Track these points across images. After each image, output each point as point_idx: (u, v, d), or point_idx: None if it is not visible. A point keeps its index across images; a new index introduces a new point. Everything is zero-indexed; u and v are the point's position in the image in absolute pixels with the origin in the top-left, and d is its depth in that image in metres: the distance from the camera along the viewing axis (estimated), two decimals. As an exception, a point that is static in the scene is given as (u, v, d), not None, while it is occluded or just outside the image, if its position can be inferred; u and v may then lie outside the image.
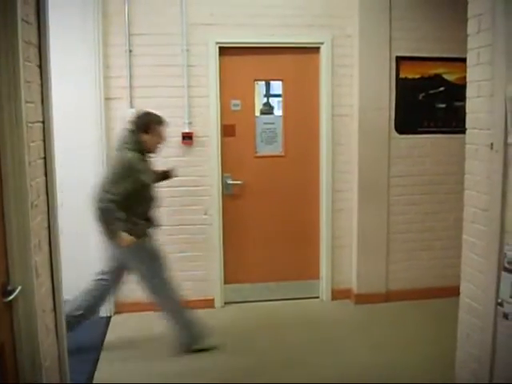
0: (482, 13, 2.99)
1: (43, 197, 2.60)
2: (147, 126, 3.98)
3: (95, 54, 4.66)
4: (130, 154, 3.89)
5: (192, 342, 4.22)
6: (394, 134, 5.11)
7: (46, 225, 2.62)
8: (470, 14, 3.13)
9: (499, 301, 2.90)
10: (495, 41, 2.86)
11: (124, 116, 4.75)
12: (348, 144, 5.13)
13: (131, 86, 4.79)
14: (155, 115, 4.07)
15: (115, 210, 3.82)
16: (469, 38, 3.16)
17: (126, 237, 3.91)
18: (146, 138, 3.97)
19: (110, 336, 4.53)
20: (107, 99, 4.77)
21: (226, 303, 5.15)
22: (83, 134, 4.71)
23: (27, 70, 2.37)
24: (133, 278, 4.33)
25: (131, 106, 4.78)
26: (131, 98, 4.80)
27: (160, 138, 4.06)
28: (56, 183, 2.74)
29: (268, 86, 5.29)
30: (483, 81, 3.02)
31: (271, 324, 4.71)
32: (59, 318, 2.78)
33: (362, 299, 5.13)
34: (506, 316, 2.85)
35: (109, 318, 4.86)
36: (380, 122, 5.05)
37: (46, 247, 2.61)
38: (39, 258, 2.46)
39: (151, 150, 4.06)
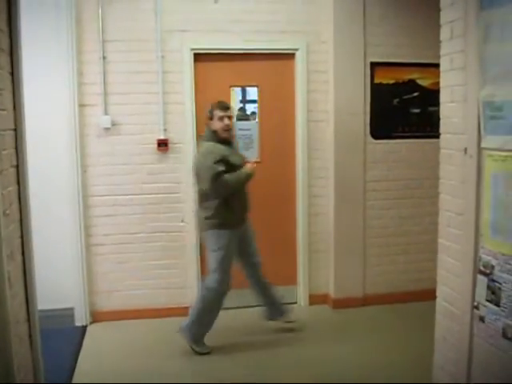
0: (454, 19, 3.03)
1: (16, 205, 2.56)
2: (210, 113, 4.15)
3: (69, 61, 4.62)
4: (203, 145, 4.17)
5: (192, 340, 4.27)
6: (370, 139, 5.14)
7: (18, 234, 2.59)
8: (442, 20, 3.17)
9: (475, 304, 2.92)
10: (467, 47, 2.90)
11: (98, 122, 4.73)
12: (324, 149, 5.15)
13: (105, 93, 4.75)
14: (217, 101, 4.21)
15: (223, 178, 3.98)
16: (442, 44, 3.20)
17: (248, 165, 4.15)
18: (211, 124, 4.14)
19: (87, 345, 4.46)
20: (81, 106, 4.72)
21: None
22: (57, 141, 4.66)
23: (-1, 78, 2.34)
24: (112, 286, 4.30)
25: (105, 113, 4.75)
26: (105, 104, 4.75)
27: (221, 122, 4.09)
28: (29, 191, 2.70)
29: (244, 91, 5.29)
30: (456, 86, 3.05)
31: (248, 331, 4.68)
32: (33, 329, 2.74)
33: (339, 304, 5.14)
34: (482, 319, 2.87)
35: (85, 328, 4.79)
36: (355, 127, 5.07)
37: (19, 257, 2.57)
38: (12, 268, 2.42)
39: (221, 137, 4.11)
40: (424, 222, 5.12)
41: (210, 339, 4.31)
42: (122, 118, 4.80)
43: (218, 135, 4.11)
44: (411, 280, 5.23)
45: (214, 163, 3.96)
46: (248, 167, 4.13)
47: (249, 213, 4.33)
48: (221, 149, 4.08)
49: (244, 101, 5.31)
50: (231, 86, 5.11)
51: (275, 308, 4.57)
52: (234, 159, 4.11)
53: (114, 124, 4.78)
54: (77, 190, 4.73)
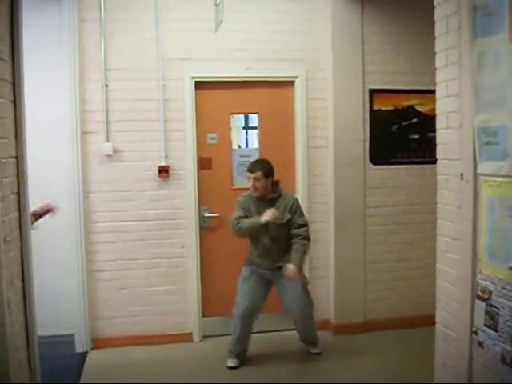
0: (448, 47, 3.09)
1: (16, 232, 2.59)
2: None
3: (72, 89, 4.68)
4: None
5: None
6: (369, 165, 5.17)
7: (19, 260, 2.61)
8: (437, 48, 3.23)
9: (474, 329, 2.92)
10: (462, 74, 2.95)
11: (100, 149, 4.78)
12: (324, 175, 5.18)
13: (107, 121, 4.81)
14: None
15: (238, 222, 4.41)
16: (437, 72, 3.25)
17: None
18: None
19: (87, 372, 4.45)
20: (83, 133, 4.78)
21: (204, 337, 5.10)
22: (59, 167, 4.70)
23: (1, 106, 2.38)
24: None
25: (107, 140, 4.80)
26: (107, 132, 4.81)
27: (250, 182, 4.42)
28: (29, 219, 2.73)
29: (246, 118, 5.35)
30: (452, 112, 3.10)
31: (250, 356, 4.66)
32: (33, 355, 2.74)
33: (340, 330, 5.13)
34: (480, 344, 2.87)
35: (85, 354, 4.77)
36: (355, 153, 5.11)
37: (19, 283, 2.59)
38: (12, 295, 2.44)
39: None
40: (424, 246, 5.11)
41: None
42: (124, 144, 4.86)
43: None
44: (412, 305, 5.22)
45: (236, 209, 4.43)
46: (264, 216, 4.29)
47: (275, 262, 4.43)
48: (248, 200, 4.46)
49: (246, 127, 5.38)
50: (231, 113, 5.17)
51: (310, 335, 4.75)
52: (259, 212, 4.36)
53: (115, 151, 4.83)
54: (78, 217, 4.76)
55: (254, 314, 4.48)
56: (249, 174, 4.40)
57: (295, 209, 4.43)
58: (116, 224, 4.88)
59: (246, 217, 4.39)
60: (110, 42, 4.79)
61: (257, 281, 4.47)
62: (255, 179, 4.36)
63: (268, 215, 4.26)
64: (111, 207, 4.86)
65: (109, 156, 4.82)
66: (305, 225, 4.44)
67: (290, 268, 4.27)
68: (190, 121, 4.93)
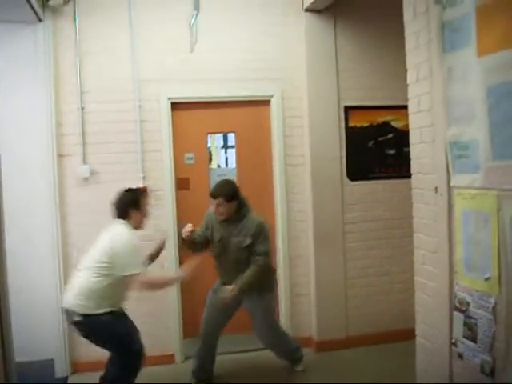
0: (419, 62, 3.14)
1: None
2: None
3: (47, 112, 4.67)
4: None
5: None
6: (347, 181, 5.21)
7: (-6, 286, 2.58)
8: (408, 63, 3.29)
9: (453, 341, 2.95)
10: (433, 89, 3.00)
11: (77, 172, 4.76)
12: (302, 193, 5.20)
13: (84, 143, 4.80)
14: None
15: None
16: (409, 87, 3.31)
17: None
18: None
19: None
20: (60, 156, 4.76)
21: (186, 358, 5.06)
22: (35, 191, 4.67)
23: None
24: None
25: (84, 163, 4.78)
26: (84, 154, 4.80)
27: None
28: (5, 247, 2.70)
29: (225, 137, 5.36)
30: (424, 127, 3.15)
31: (234, 376, 4.63)
32: (11, 381, 2.70)
33: (322, 346, 5.12)
34: (460, 356, 2.89)
35: (65, 379, 4.70)
36: (332, 170, 5.15)
37: (-6, 309, 2.56)
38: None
39: None
40: (404, 261, 5.12)
41: None
42: (101, 166, 4.84)
43: None
44: (394, 319, 5.22)
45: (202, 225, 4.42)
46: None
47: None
48: (213, 218, 4.37)
49: (226, 146, 5.39)
50: (208, 133, 5.19)
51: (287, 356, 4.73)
52: (216, 233, 4.34)
53: (92, 173, 4.81)
54: (56, 240, 4.72)
55: (214, 337, 4.47)
56: (212, 200, 4.24)
57: (257, 235, 4.24)
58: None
59: (204, 233, 4.38)
60: (84, 64, 4.79)
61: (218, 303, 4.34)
62: (218, 204, 4.22)
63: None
64: (90, 230, 4.79)
65: (86, 178, 4.80)
66: (263, 253, 4.26)
67: (225, 288, 4.24)
68: (166, 141, 4.94)
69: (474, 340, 2.75)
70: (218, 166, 5.38)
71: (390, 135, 5.35)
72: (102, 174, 4.85)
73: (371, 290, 5.28)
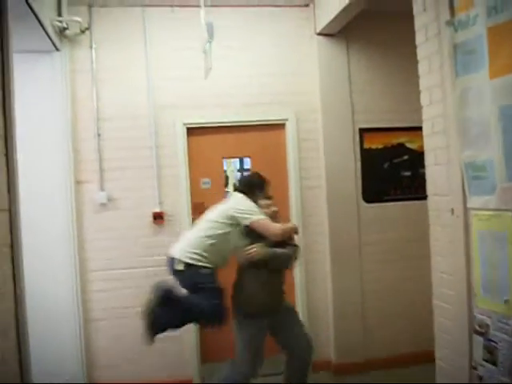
0: (432, 86, 3.15)
1: (10, 284, 2.59)
2: None
3: (64, 139, 4.74)
4: None
5: None
6: (362, 203, 5.21)
7: (13, 312, 2.60)
8: (421, 86, 3.31)
9: (473, 364, 2.91)
10: (446, 111, 3.01)
11: (95, 198, 4.81)
12: (318, 214, 5.20)
13: (101, 169, 4.86)
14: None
15: None
16: (423, 110, 3.32)
17: None
18: None
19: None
20: (78, 182, 4.82)
21: (204, 383, 5.04)
22: (54, 217, 4.72)
23: (-8, 160, 2.42)
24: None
25: (101, 189, 4.84)
26: (101, 180, 4.85)
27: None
28: (23, 270, 2.73)
29: (241, 161, 5.38)
30: (439, 149, 3.15)
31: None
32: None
33: (341, 369, 5.07)
34: (480, 379, 2.85)
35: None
36: (348, 192, 5.16)
37: (12, 333, 2.58)
38: (5, 346, 2.43)
39: None
40: (422, 281, 5.05)
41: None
42: (118, 192, 4.90)
43: None
44: (412, 341, 5.15)
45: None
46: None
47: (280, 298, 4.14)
48: None
49: (242, 170, 5.38)
50: (224, 158, 5.22)
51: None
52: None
53: (110, 199, 4.86)
54: (74, 266, 4.75)
55: None
56: (268, 201, 4.13)
57: None
58: (112, 272, 4.87)
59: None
60: (101, 91, 4.87)
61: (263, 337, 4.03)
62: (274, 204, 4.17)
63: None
64: (107, 255, 4.86)
65: (103, 204, 4.85)
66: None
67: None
68: (182, 166, 4.98)
69: (495, 363, 2.72)
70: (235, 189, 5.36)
71: (406, 157, 5.34)
72: (119, 199, 4.90)
73: (389, 311, 5.23)
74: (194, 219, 4.98)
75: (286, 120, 5.17)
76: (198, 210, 5.05)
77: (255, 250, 3.87)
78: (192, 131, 5.05)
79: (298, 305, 5.18)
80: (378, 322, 5.20)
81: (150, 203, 4.92)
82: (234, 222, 3.93)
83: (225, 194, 5.15)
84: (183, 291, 3.95)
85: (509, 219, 2.52)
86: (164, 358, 4.97)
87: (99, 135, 4.86)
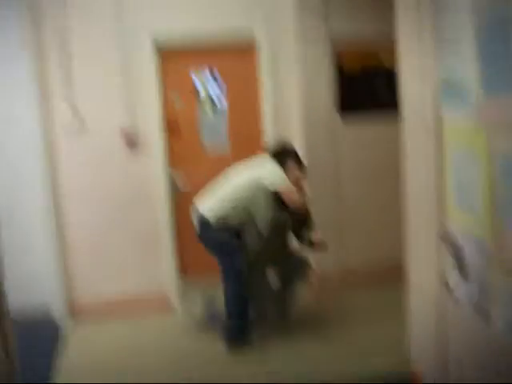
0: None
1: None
2: (283, 155, 4.29)
3: (30, 62, 4.57)
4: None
5: None
6: (339, 123, 5.14)
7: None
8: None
9: (444, 276, 2.96)
10: (423, 19, 2.91)
11: (62, 116, 4.68)
12: (293, 137, 5.11)
13: (68, 84, 4.69)
14: (292, 148, 4.37)
15: None
16: (398, 20, 3.20)
17: None
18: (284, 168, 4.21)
19: (66, 342, 4.43)
20: (44, 98, 4.67)
21: (182, 297, 5.10)
22: (23, 143, 4.62)
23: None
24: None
25: (69, 106, 4.69)
26: (69, 96, 4.70)
27: (293, 175, 4.24)
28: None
29: (213, 80, 5.24)
30: (414, 65, 3.07)
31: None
32: (7, 327, 2.69)
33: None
34: (449, 290, 2.91)
35: (63, 324, 4.74)
36: (324, 112, 5.07)
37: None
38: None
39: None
40: (397, 201, 5.10)
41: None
42: (86, 111, 4.76)
43: None
44: (384, 258, 5.22)
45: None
46: None
47: None
48: None
49: (213, 91, 5.26)
50: (196, 76, 5.08)
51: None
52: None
53: (77, 117, 4.73)
54: (46, 188, 4.70)
55: None
56: (299, 166, 4.25)
57: None
58: (86, 193, 4.83)
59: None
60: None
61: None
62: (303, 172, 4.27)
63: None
64: (79, 179, 4.79)
65: (71, 122, 4.73)
66: None
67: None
68: (153, 86, 4.84)
69: (464, 276, 2.76)
70: (212, 105, 5.23)
71: (384, 75, 5.24)
72: (87, 118, 4.77)
73: (364, 228, 5.29)
74: (166, 138, 4.92)
75: (259, 37, 5.01)
76: (171, 131, 4.97)
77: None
78: (163, 50, 4.90)
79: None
80: (356, 237, 5.23)
81: (119, 124, 4.80)
82: (260, 188, 4.06)
83: (197, 114, 5.04)
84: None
85: (483, 135, 2.49)
86: (142, 274, 5.01)
87: (66, 54, 4.66)
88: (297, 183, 4.16)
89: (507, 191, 2.35)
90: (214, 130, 5.11)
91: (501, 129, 2.35)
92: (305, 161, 4.43)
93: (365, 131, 5.23)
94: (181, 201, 5.06)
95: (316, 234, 4.28)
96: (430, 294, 3.09)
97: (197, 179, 5.04)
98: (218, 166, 5.07)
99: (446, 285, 2.93)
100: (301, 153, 4.88)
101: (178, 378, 3.73)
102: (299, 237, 4.30)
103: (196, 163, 5.08)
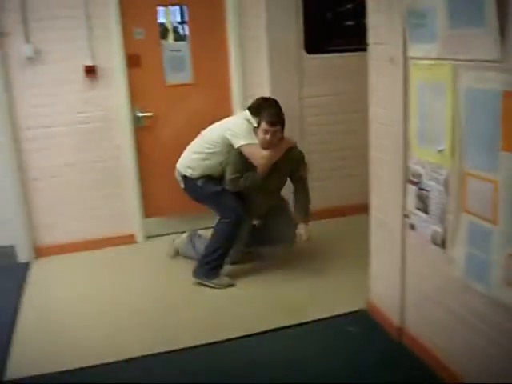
0: None
1: None
2: (257, 116, 4.04)
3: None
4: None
5: None
6: (305, 54, 5.04)
7: None
8: None
9: (406, 213, 2.98)
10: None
11: (20, 52, 4.48)
12: (258, 67, 5.03)
13: (26, 20, 4.46)
14: (267, 108, 4.04)
15: None
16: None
17: None
18: (256, 129, 3.99)
19: (31, 281, 4.41)
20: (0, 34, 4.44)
21: (147, 237, 5.11)
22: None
23: None
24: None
25: (27, 42, 4.48)
26: (26, 32, 4.47)
27: (263, 135, 3.92)
28: None
29: (180, 11, 5.04)
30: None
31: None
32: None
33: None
34: (412, 227, 2.94)
35: (28, 264, 4.71)
36: (289, 42, 4.96)
37: None
38: None
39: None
40: (361, 136, 5.10)
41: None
42: (46, 45, 4.54)
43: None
44: (348, 194, 5.27)
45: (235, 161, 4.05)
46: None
47: None
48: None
49: (178, 21, 5.08)
50: (158, 5, 4.86)
51: None
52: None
53: (37, 53, 4.52)
54: (4, 125, 4.54)
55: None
56: (267, 127, 3.82)
57: (302, 160, 4.19)
58: (46, 130, 4.68)
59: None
60: None
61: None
62: (274, 133, 3.86)
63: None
64: (39, 112, 4.63)
65: (30, 58, 4.52)
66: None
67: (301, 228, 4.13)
68: (114, 15, 4.62)
69: (426, 211, 2.78)
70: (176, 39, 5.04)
71: (349, 5, 5.14)
72: (47, 53, 4.56)
73: (329, 165, 5.28)
74: (129, 72, 4.78)
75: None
76: (133, 62, 4.81)
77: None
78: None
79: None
80: (318, 175, 5.18)
81: (80, 56, 4.62)
82: (227, 143, 4.01)
83: (161, 46, 4.90)
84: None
85: (449, 68, 2.46)
86: (107, 215, 4.97)
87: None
88: (271, 142, 3.87)
89: (471, 124, 2.35)
90: (177, 62, 4.95)
91: (466, 61, 2.32)
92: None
93: (329, 62, 5.14)
94: (143, 134, 4.95)
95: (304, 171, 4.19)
96: (393, 230, 3.12)
97: (159, 111, 4.95)
98: (180, 98, 5.01)
99: (407, 216, 2.96)
100: (266, 84, 4.83)
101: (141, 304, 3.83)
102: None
103: (158, 95, 4.94)
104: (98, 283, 4.30)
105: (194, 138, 4.31)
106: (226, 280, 4.12)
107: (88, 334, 3.53)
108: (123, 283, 4.29)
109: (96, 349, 3.35)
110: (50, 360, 3.24)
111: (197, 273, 4.13)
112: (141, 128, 4.94)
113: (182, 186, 4.28)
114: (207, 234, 4.32)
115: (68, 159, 4.78)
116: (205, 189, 4.15)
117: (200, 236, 4.54)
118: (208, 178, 4.14)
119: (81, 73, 4.65)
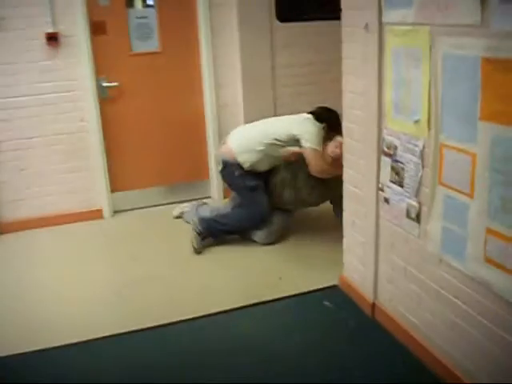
0: None
1: None
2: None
3: None
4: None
5: None
6: (276, 22, 4.88)
7: None
8: None
9: (380, 186, 2.89)
10: None
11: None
12: (229, 35, 4.86)
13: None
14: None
15: None
16: None
17: None
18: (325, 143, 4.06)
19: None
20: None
21: (115, 212, 4.96)
22: None
23: None
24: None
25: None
26: (-17, -4, 4.25)
27: (334, 150, 4.00)
28: None
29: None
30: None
31: (163, 228, 4.60)
32: None
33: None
34: (386, 200, 2.85)
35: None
36: (260, 10, 4.79)
37: None
38: None
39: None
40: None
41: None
42: (4, 11, 4.30)
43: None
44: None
45: None
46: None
47: None
48: None
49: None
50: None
51: None
52: None
53: (-2, 23, 4.30)
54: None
55: None
56: (340, 138, 3.68)
57: None
58: (7, 100, 4.47)
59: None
60: None
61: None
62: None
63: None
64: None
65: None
66: None
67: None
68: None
69: (401, 184, 2.69)
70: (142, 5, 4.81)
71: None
72: (6, 19, 4.33)
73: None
74: (93, 40, 4.57)
75: None
76: (97, 29, 4.61)
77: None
78: None
79: (209, 131, 5.05)
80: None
81: (41, 22, 4.39)
82: (293, 142, 4.01)
83: (128, 13, 4.69)
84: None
85: (425, 34, 2.34)
86: (73, 190, 4.80)
87: None
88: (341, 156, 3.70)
89: (448, 92, 2.25)
90: (144, 29, 4.75)
91: (444, 26, 2.21)
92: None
93: (302, 31, 5.00)
94: (108, 105, 4.77)
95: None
96: (367, 203, 3.04)
97: (125, 81, 4.78)
98: (147, 67, 4.83)
99: (381, 190, 2.87)
100: (236, 53, 4.68)
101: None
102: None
103: (124, 65, 4.75)
104: (65, 260, 4.16)
105: (161, 109, 4.16)
106: (198, 245, 4.10)
107: (59, 312, 3.40)
108: (91, 259, 4.17)
109: (68, 327, 3.23)
110: (23, 340, 3.11)
111: (202, 219, 4.20)
112: (106, 99, 4.75)
113: (221, 169, 4.25)
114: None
115: (30, 132, 4.58)
116: (241, 179, 4.14)
117: (205, 203, 4.68)
118: (248, 171, 4.12)
119: (42, 40, 4.42)
